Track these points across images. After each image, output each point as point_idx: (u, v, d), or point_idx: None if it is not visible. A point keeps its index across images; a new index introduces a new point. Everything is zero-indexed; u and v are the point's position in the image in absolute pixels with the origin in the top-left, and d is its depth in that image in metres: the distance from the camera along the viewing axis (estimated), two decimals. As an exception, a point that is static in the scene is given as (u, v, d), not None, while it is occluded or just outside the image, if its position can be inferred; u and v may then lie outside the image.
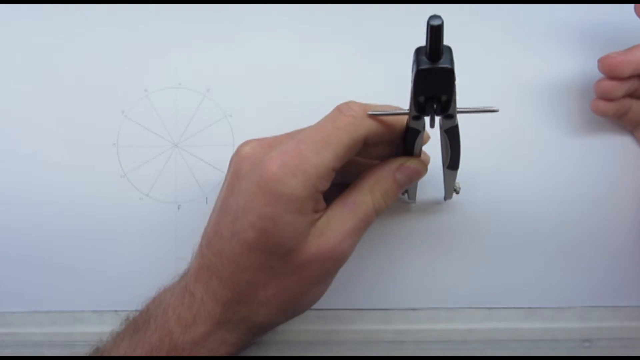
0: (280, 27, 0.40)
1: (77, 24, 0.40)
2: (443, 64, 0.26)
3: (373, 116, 0.30)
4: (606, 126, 0.39)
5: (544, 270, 0.39)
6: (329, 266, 0.31)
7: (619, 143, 0.39)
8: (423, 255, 0.39)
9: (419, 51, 0.27)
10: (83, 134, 0.39)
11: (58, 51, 0.39)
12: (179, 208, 0.39)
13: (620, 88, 0.35)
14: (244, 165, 0.31)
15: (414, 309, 0.39)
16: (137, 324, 0.32)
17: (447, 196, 0.37)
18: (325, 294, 0.33)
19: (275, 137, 0.32)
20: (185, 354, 0.31)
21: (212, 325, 0.31)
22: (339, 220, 0.31)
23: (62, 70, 0.39)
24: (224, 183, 0.33)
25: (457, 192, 0.37)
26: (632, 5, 0.36)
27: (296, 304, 0.32)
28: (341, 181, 0.32)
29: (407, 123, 0.31)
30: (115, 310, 0.39)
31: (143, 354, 0.31)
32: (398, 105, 0.32)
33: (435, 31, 0.25)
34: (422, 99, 0.28)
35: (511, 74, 0.39)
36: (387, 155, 0.33)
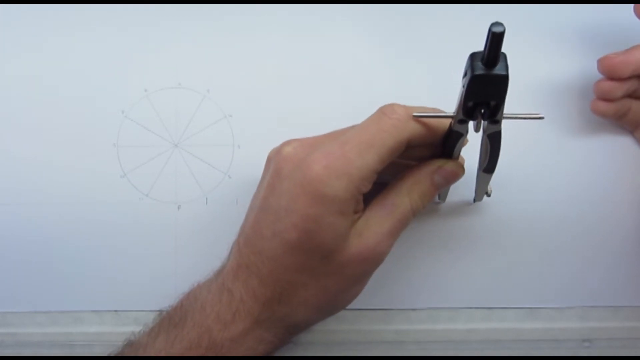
0: (280, 27, 0.40)
1: (77, 24, 0.40)
2: (499, 70, 0.26)
3: (416, 119, 0.30)
4: (606, 126, 0.39)
5: (544, 270, 0.39)
6: (367, 266, 0.32)
7: (619, 143, 0.39)
8: (423, 255, 0.39)
9: (474, 57, 0.26)
10: (83, 134, 0.39)
11: (58, 51, 0.39)
12: (179, 208, 0.39)
13: (619, 89, 0.35)
14: (286, 165, 0.31)
15: (414, 309, 0.39)
16: (172, 319, 0.32)
17: (478, 198, 0.37)
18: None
19: (316, 138, 0.32)
20: (224, 351, 0.31)
21: (250, 324, 0.31)
22: (377, 222, 0.31)
23: (62, 70, 0.39)
24: (261, 182, 0.33)
25: (489, 195, 0.37)
26: (631, 6, 0.37)
27: (333, 304, 0.33)
28: (378, 181, 0.32)
29: (450, 126, 0.30)
30: (115, 310, 0.38)
31: (181, 350, 0.31)
32: (424, 106, 0.32)
33: (496, 38, 0.25)
34: (471, 103, 0.28)
35: (511, 74, 0.39)
36: (426, 157, 0.33)
